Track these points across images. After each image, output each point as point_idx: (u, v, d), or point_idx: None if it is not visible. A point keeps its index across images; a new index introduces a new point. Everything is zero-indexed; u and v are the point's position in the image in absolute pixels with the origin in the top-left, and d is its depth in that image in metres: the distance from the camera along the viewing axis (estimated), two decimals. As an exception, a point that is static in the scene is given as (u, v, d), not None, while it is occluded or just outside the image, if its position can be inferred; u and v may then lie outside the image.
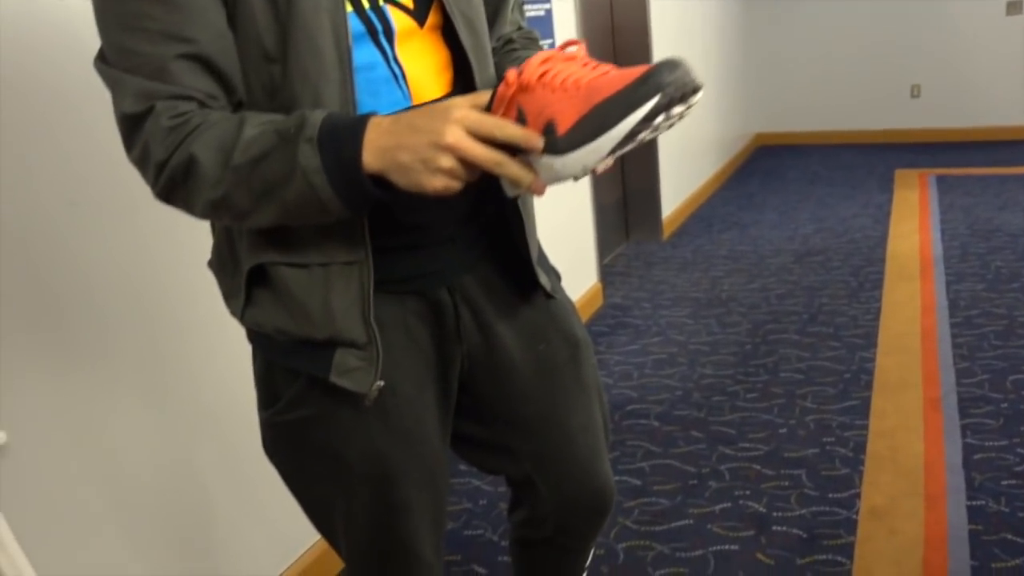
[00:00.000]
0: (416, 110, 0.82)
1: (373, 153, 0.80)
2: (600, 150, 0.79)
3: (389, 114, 0.83)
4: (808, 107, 6.77)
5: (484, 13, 1.03)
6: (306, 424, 1.00)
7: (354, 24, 0.87)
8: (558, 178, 0.84)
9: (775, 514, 2.02)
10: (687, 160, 4.98)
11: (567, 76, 0.82)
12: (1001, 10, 5.96)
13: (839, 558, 1.84)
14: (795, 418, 2.47)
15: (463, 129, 0.79)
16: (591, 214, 3.46)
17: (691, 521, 2.02)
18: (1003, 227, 4.11)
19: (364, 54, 0.88)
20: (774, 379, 2.73)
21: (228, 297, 1.00)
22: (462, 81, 0.98)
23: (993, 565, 1.76)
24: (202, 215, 0.88)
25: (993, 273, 3.50)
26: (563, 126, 0.80)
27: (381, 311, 0.96)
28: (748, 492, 2.12)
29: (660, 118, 0.77)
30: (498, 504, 2.16)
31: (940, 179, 5.23)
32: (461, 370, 1.08)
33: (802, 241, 4.24)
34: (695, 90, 0.77)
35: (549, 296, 1.13)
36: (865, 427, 2.38)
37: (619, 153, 0.80)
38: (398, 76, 0.91)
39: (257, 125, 0.82)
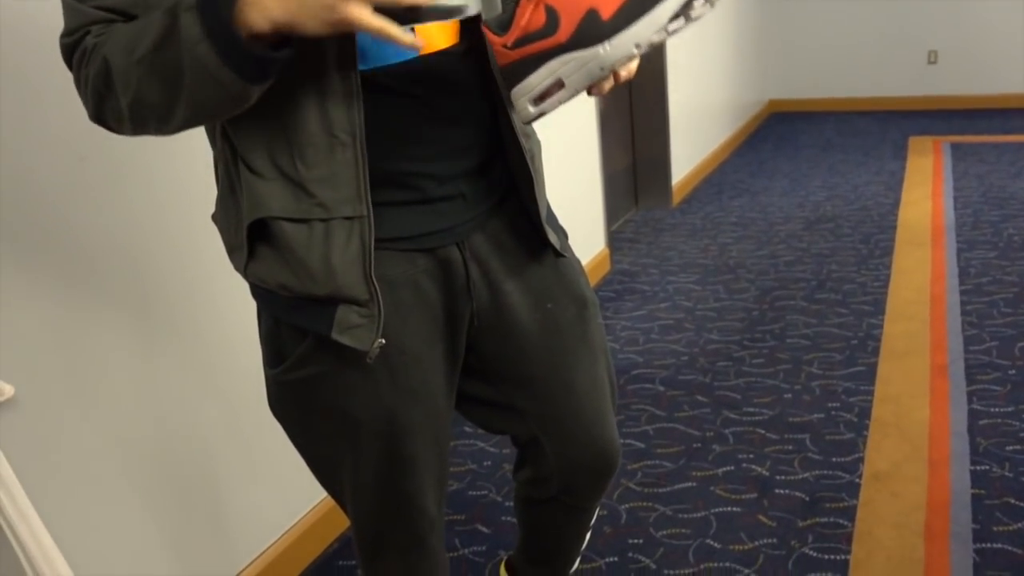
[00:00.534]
0: None
1: (259, 7, 0.75)
2: (657, 21, 0.80)
3: None
4: (823, 74, 6.68)
5: None
6: (313, 382, 1.00)
7: None
8: (602, 67, 0.83)
9: (778, 477, 2.03)
10: (698, 127, 4.94)
11: None
12: (1022, -26, 5.84)
13: (840, 520, 1.85)
14: (800, 383, 2.47)
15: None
16: (600, 180, 3.44)
17: (694, 484, 2.03)
18: (1017, 195, 4.07)
19: None
20: (780, 345, 2.73)
21: (231, 251, 1.00)
22: (470, 29, 0.97)
23: (995, 528, 1.77)
24: (131, 128, 0.85)
25: (1005, 241, 3.47)
26: (607, 11, 0.80)
27: (391, 269, 0.96)
28: (751, 456, 2.13)
29: None
30: (502, 465, 2.17)
31: (955, 146, 5.17)
32: (469, 328, 1.08)
33: (813, 208, 4.21)
34: None
35: (558, 255, 1.12)
36: (871, 393, 2.37)
37: (671, 30, 0.81)
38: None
39: (157, 14, 0.79)
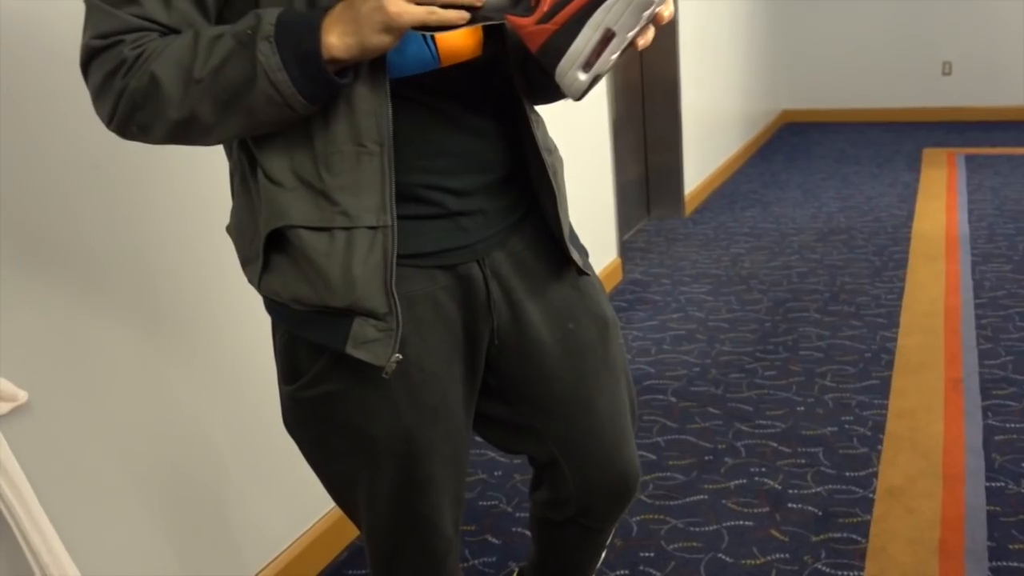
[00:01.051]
0: None
1: (336, 35, 0.81)
2: None
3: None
4: (837, 84, 6.66)
5: None
6: (330, 399, 0.99)
7: None
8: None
9: (791, 491, 2.01)
10: (711, 137, 4.93)
11: None
12: (1038, -15, 5.82)
13: (854, 536, 1.83)
14: (813, 396, 2.45)
15: None
16: (612, 189, 3.44)
17: (706, 496, 2.02)
18: (1033, 208, 4.04)
19: None
20: (793, 357, 2.71)
21: (246, 263, 0.99)
22: (493, 42, 0.96)
23: (1011, 546, 1.75)
24: (162, 138, 0.87)
25: (1020, 254, 3.44)
26: None
27: (411, 286, 0.95)
28: (764, 469, 2.11)
29: None
30: (513, 475, 2.17)
31: (969, 158, 5.14)
32: (489, 348, 1.07)
33: (826, 219, 4.19)
34: None
35: (581, 273, 1.11)
36: (884, 407, 2.35)
37: None
38: (426, 35, 0.89)
39: (212, 36, 0.82)
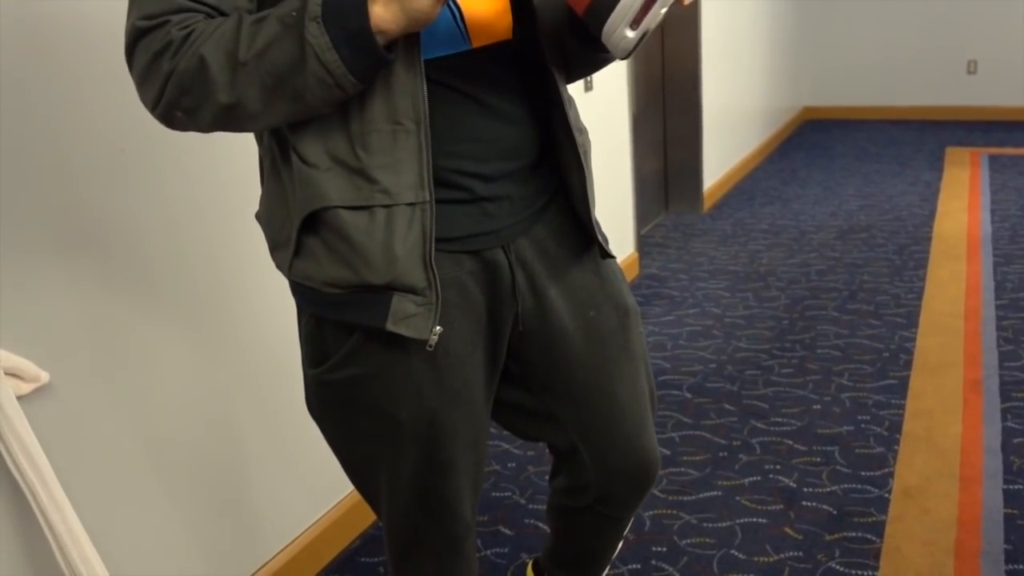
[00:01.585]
0: None
1: (380, 4, 0.81)
2: None
3: None
4: (859, 81, 6.60)
5: None
6: (356, 383, 0.99)
7: None
8: None
9: (805, 489, 2.00)
10: (731, 132, 4.90)
11: None
12: (1067, -16, 5.73)
13: (869, 536, 1.82)
14: (830, 395, 2.44)
15: None
16: (631, 183, 3.43)
17: (719, 493, 2.01)
18: (1057, 209, 3.99)
19: None
20: (810, 355, 2.70)
21: (275, 248, 0.99)
22: (523, 26, 0.96)
23: (1027, 550, 1.74)
24: (209, 125, 0.87)
25: (1044, 256, 3.40)
26: None
27: (438, 270, 0.95)
28: (779, 467, 2.10)
29: None
30: (526, 467, 2.17)
31: (993, 158, 5.09)
32: (512, 334, 1.07)
33: (846, 217, 4.15)
34: None
35: (605, 255, 1.11)
36: (902, 407, 2.34)
37: None
38: (456, 15, 0.90)
39: (255, 19, 0.82)
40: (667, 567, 1.77)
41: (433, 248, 0.91)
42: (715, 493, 2.01)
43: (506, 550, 1.87)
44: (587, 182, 1.05)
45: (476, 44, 0.92)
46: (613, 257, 1.13)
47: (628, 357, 1.15)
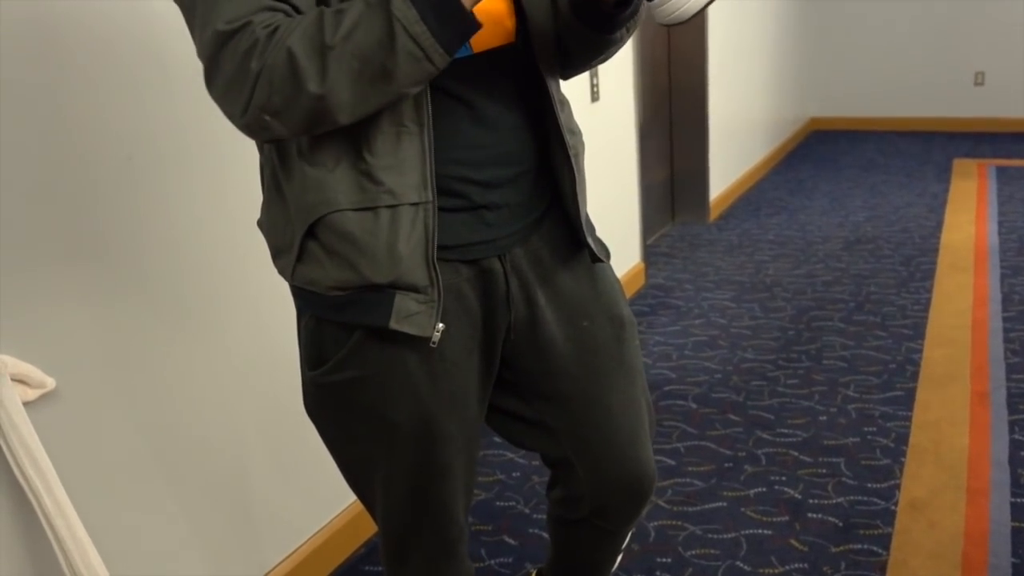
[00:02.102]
0: None
1: None
2: None
3: None
4: (866, 92, 6.60)
5: None
6: (354, 385, 1.00)
7: None
8: None
9: (811, 501, 1.99)
10: (737, 142, 4.90)
11: None
12: (1075, -4, 5.73)
13: (875, 548, 1.81)
14: (836, 406, 2.43)
15: None
16: (637, 192, 3.43)
17: (724, 504, 2.01)
18: (1065, 221, 3.98)
19: None
20: (816, 366, 2.69)
21: (277, 255, 1.00)
22: (525, 29, 0.97)
23: (1035, 564, 1.72)
24: (299, 124, 0.84)
25: (1051, 268, 3.39)
26: None
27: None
28: (784, 478, 2.09)
29: None
30: (531, 477, 2.16)
31: (1000, 170, 5.07)
32: (505, 341, 1.08)
33: (852, 228, 4.15)
34: None
35: (595, 260, 1.11)
36: (908, 418, 2.33)
37: None
38: None
39: (338, 7, 0.81)
40: (671, 578, 1.76)
41: (435, 247, 0.92)
42: (720, 504, 2.00)
43: (510, 560, 1.86)
44: (577, 183, 1.06)
45: (477, 49, 0.93)
46: (603, 261, 1.13)
47: (622, 368, 1.15)
